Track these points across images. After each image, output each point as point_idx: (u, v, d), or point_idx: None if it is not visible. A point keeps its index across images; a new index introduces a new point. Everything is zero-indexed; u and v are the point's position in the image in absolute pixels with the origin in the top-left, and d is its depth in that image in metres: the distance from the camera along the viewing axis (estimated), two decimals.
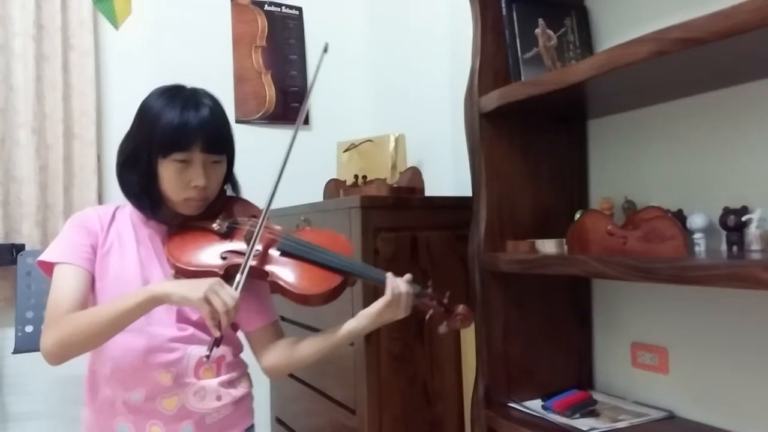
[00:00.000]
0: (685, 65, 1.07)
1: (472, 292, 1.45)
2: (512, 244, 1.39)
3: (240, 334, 1.29)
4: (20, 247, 2.12)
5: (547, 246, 1.32)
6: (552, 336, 1.50)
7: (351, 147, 2.32)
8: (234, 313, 1.03)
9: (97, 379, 1.18)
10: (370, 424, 1.55)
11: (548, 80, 1.23)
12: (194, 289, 1.02)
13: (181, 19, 2.53)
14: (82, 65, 2.31)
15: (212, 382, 1.18)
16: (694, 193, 1.29)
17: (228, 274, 1.12)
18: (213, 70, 2.52)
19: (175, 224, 1.19)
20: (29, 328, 1.92)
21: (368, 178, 2.12)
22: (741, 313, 1.21)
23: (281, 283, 1.14)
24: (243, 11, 2.65)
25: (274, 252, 1.17)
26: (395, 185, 2.00)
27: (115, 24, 2.08)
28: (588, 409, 1.33)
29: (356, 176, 2.15)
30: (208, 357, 1.06)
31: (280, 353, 1.21)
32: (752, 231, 1.10)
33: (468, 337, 1.62)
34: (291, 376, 2.05)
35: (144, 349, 1.13)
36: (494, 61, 1.44)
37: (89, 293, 1.13)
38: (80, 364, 2.15)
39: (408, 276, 1.16)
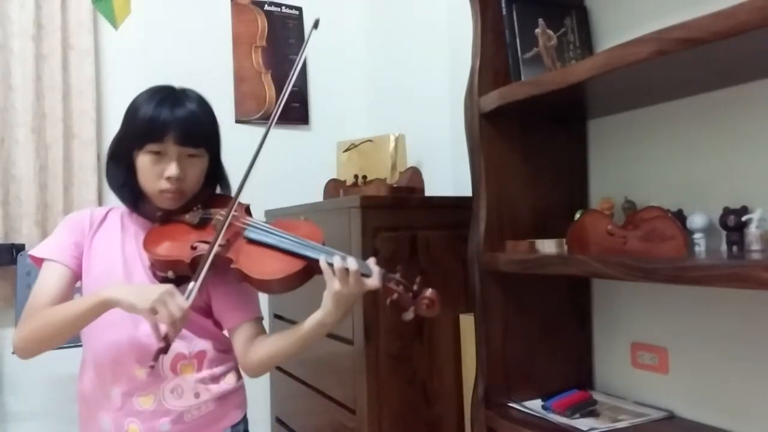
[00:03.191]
0: (685, 65, 1.07)
1: (472, 292, 1.45)
2: (512, 244, 1.39)
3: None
4: (20, 247, 2.12)
5: (547, 246, 1.32)
6: (552, 336, 1.49)
7: (351, 147, 2.32)
8: (180, 324, 1.02)
9: (84, 373, 1.20)
10: (370, 424, 1.55)
11: (548, 80, 1.23)
12: (143, 297, 1.01)
13: (180, 19, 2.52)
14: (82, 65, 2.31)
15: (189, 379, 1.17)
16: (694, 193, 1.29)
17: (195, 263, 1.12)
18: (213, 70, 2.52)
19: (157, 219, 1.21)
20: None
21: (368, 178, 2.13)
22: (741, 313, 1.21)
23: (243, 269, 1.12)
24: (243, 11, 2.65)
25: (240, 240, 1.17)
26: (395, 185, 2.00)
27: (115, 24, 2.08)
28: (588, 409, 1.33)
29: (356, 176, 2.15)
30: (152, 367, 1.04)
31: (256, 350, 1.18)
32: (752, 231, 1.10)
33: (468, 337, 1.62)
34: (290, 375, 2.05)
35: (125, 341, 1.14)
36: (494, 61, 1.44)
37: (68, 292, 1.17)
38: (79, 364, 2.16)
39: (372, 260, 1.12)
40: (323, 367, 1.79)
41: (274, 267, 1.12)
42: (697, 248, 1.19)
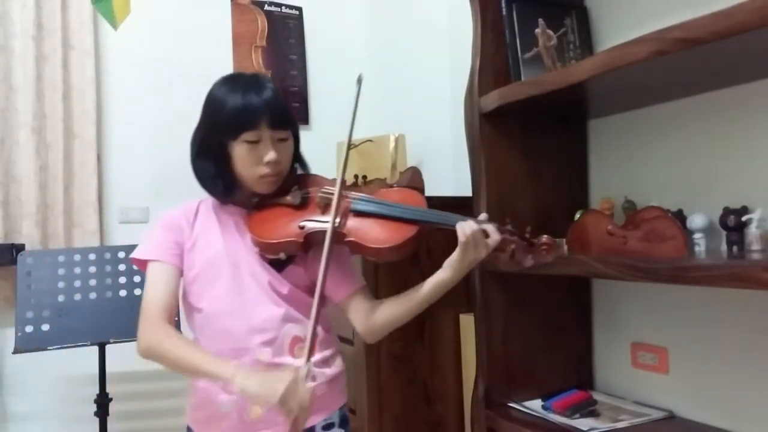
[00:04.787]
0: (685, 65, 1.07)
1: (472, 292, 1.45)
2: None
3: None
4: (20, 247, 2.12)
5: None
6: (552, 336, 1.50)
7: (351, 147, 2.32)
8: (310, 410, 1.05)
9: None
10: (371, 423, 1.55)
11: (548, 80, 1.23)
12: (271, 390, 1.03)
13: (181, 19, 2.53)
14: (82, 65, 2.31)
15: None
16: (694, 193, 1.29)
17: (308, 242, 1.16)
18: (213, 70, 2.48)
19: (252, 205, 1.23)
20: (29, 328, 1.92)
21: (368, 178, 2.12)
22: (741, 313, 1.21)
23: (358, 240, 1.15)
24: (243, 11, 2.65)
25: (348, 214, 1.19)
26: (395, 185, 2.00)
27: (114, 24, 2.08)
28: (588, 409, 1.33)
29: (356, 176, 2.14)
30: None
31: (376, 315, 1.22)
32: (752, 231, 1.10)
33: (468, 337, 1.62)
34: None
35: (242, 329, 1.17)
36: (494, 61, 1.44)
37: (178, 288, 1.20)
38: (79, 364, 2.16)
39: (483, 215, 1.17)
40: None
41: (387, 235, 1.15)
42: (697, 248, 1.19)
